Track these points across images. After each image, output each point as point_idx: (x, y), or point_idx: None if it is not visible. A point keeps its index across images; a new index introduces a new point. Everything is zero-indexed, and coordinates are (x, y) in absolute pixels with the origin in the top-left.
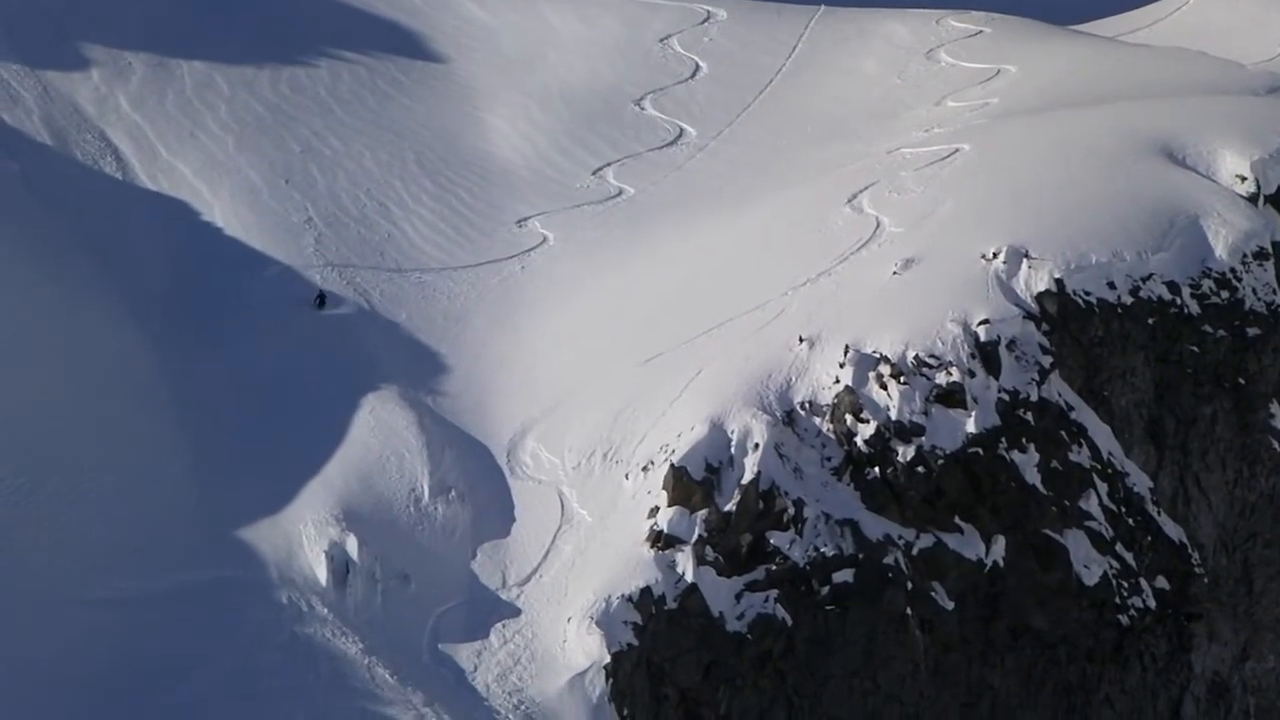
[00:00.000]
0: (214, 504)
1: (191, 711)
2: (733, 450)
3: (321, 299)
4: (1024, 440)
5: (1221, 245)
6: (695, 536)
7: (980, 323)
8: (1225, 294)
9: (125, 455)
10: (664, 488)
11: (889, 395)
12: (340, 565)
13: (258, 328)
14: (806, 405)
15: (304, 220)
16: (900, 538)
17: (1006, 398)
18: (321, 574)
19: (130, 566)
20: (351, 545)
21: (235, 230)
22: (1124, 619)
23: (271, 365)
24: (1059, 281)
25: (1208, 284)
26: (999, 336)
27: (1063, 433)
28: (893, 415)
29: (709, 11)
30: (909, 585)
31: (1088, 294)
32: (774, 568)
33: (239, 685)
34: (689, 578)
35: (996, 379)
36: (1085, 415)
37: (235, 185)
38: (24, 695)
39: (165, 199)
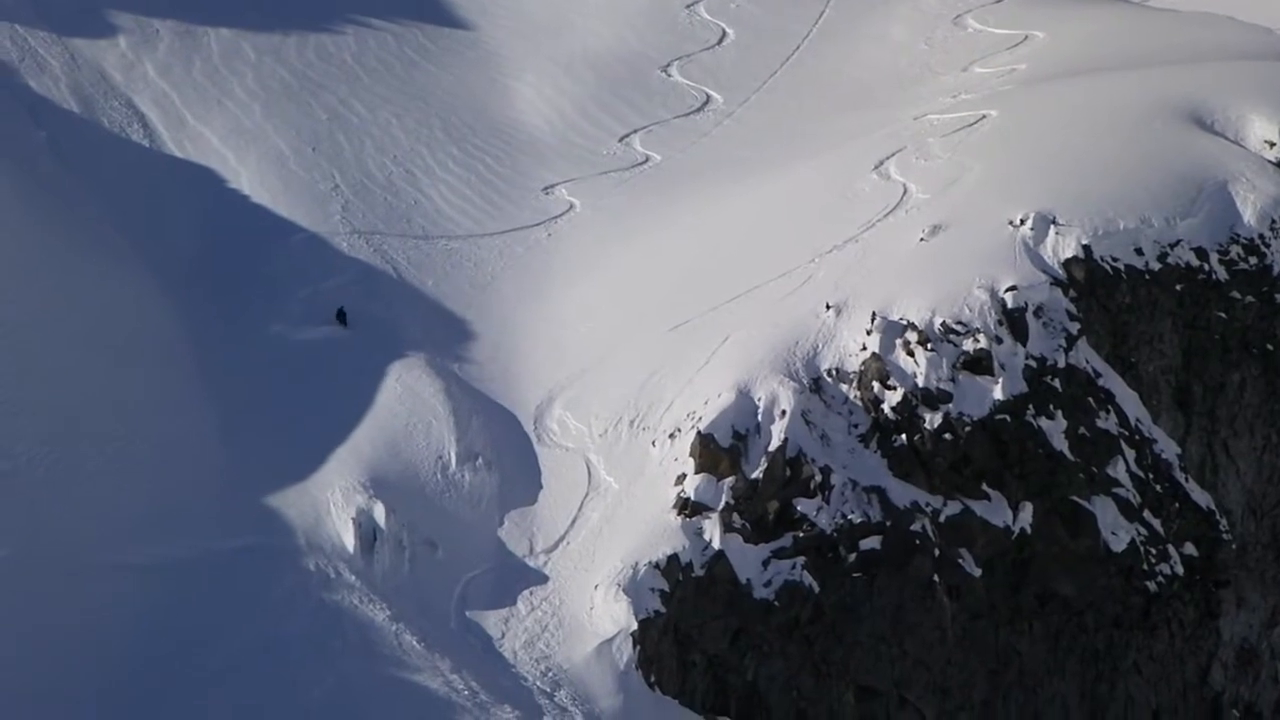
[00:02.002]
0: (241, 471)
1: (218, 678)
2: (760, 417)
3: (342, 316)
4: (1051, 407)
5: (1250, 211)
6: (722, 504)
7: (1007, 289)
8: (1254, 260)
9: (152, 423)
10: (691, 455)
11: (916, 362)
12: (368, 532)
13: (284, 295)
14: (833, 372)
15: (331, 188)
16: (927, 505)
17: (1034, 364)
18: (349, 541)
19: (157, 534)
20: (379, 512)
21: (262, 197)
22: (1152, 585)
23: (298, 333)
24: (1086, 248)
25: (1236, 250)
26: (1026, 303)
27: (1090, 399)
28: (920, 382)
29: None
30: (936, 552)
31: (1115, 260)
32: (801, 535)
33: (266, 652)
34: (716, 545)
35: (1024, 345)
36: (1113, 382)
37: (262, 152)
38: (50, 663)
39: (192, 166)
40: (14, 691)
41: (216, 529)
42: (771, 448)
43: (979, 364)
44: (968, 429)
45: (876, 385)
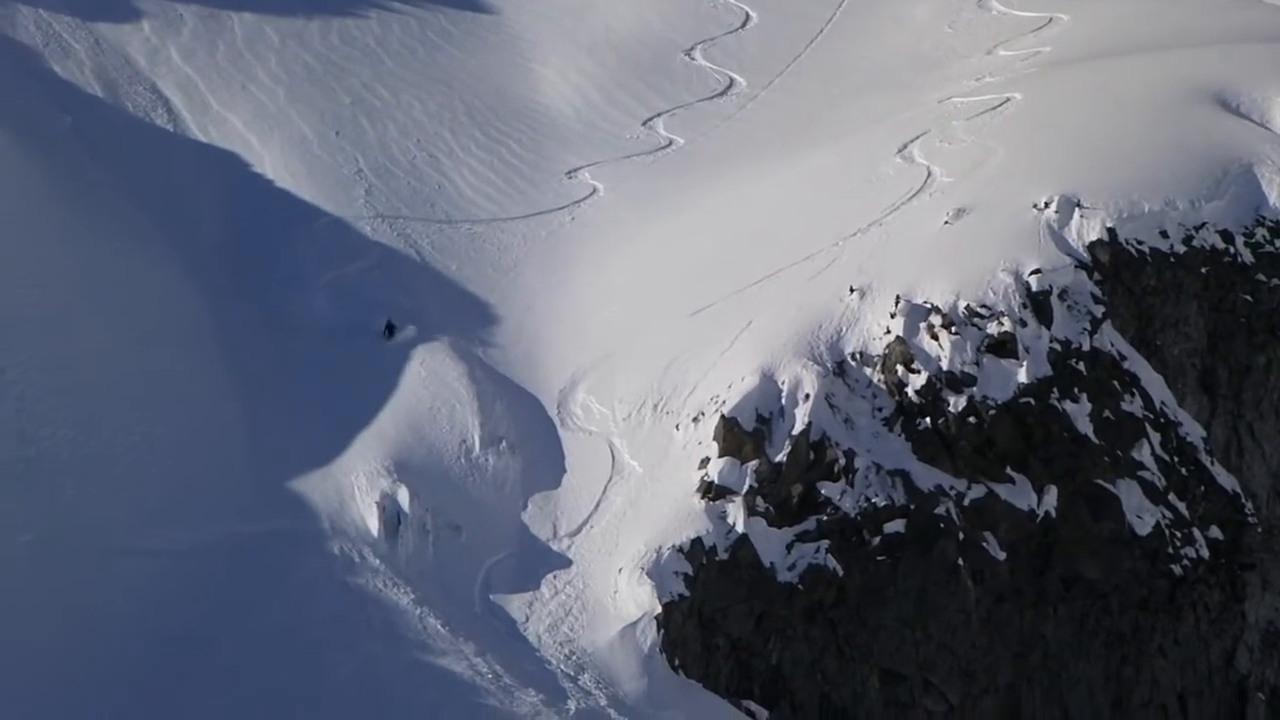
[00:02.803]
0: (266, 455)
1: (243, 662)
2: (783, 401)
3: (390, 329)
4: (1076, 390)
5: (1275, 193)
6: (746, 487)
7: (1032, 272)
8: (1279, 242)
9: (176, 407)
10: (714, 439)
11: (940, 345)
12: (392, 516)
13: (308, 279)
14: (857, 356)
15: (354, 172)
16: (951, 488)
17: (1058, 347)
18: (373, 525)
19: (181, 518)
20: (403, 496)
21: (286, 182)
22: (1177, 569)
23: (322, 316)
24: (1111, 230)
25: (1261, 232)
26: (1051, 286)
27: (1115, 382)
28: (944, 365)
29: None
30: (960, 536)
31: (1140, 243)
32: (825, 518)
33: (291, 636)
34: (740, 528)
35: (1048, 329)
36: (1138, 365)
37: (286, 137)
38: (76, 647)
39: (216, 150)
40: (41, 675)
41: (241, 513)
42: (795, 431)
43: (1003, 347)
44: (992, 412)
45: (900, 369)
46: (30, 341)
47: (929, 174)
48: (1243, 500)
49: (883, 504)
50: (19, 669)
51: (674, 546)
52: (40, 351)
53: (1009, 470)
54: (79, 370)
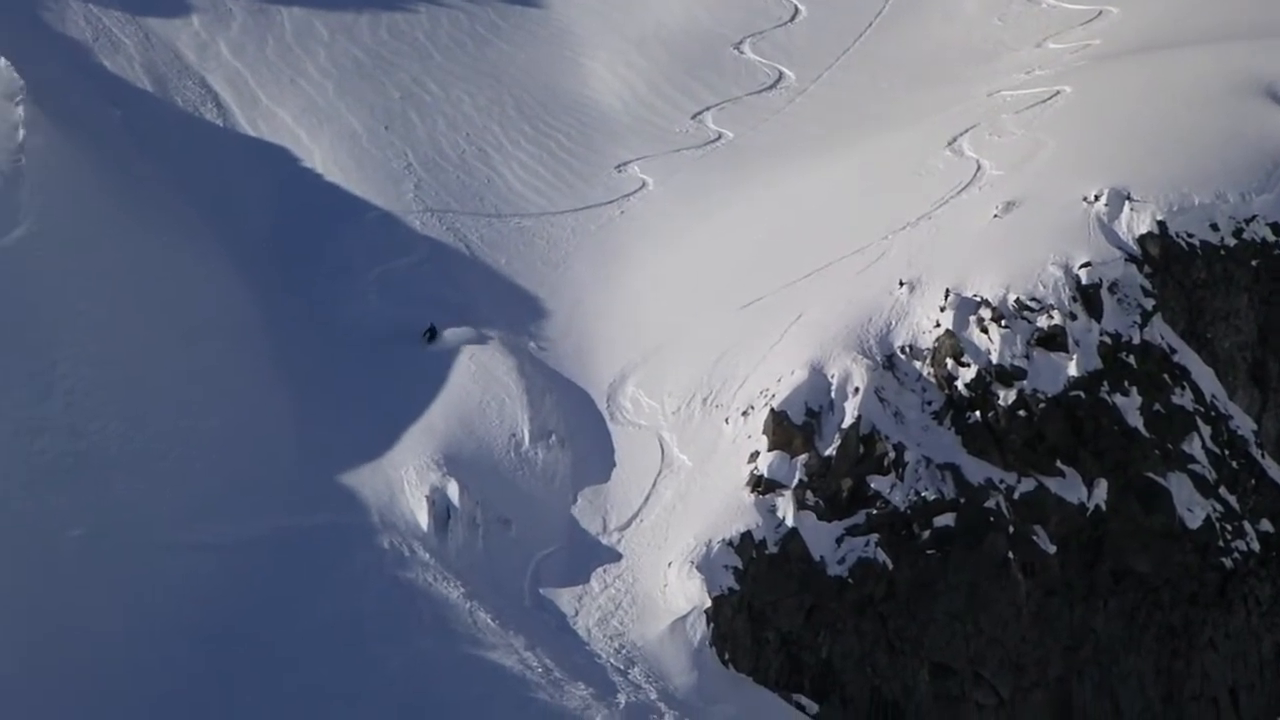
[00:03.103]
0: (314, 449)
1: (292, 657)
2: (833, 394)
3: (432, 333)
4: (1126, 383)
5: None
6: (795, 481)
7: (1082, 265)
8: None
9: (225, 400)
10: (764, 432)
11: (990, 339)
12: (441, 510)
13: (357, 273)
14: (907, 349)
15: (403, 166)
16: (1001, 481)
17: (1109, 340)
18: (423, 519)
19: (230, 512)
20: (453, 490)
21: (335, 176)
22: (1228, 562)
23: (371, 310)
24: (1161, 224)
25: None
26: (1101, 279)
27: (1165, 376)
28: (994, 359)
29: None
30: (1010, 529)
31: (1190, 236)
32: (875, 512)
33: (340, 630)
34: (789, 522)
35: (1098, 322)
36: (1188, 358)
37: (335, 131)
38: (123, 640)
39: (265, 145)
40: (90, 669)
41: (289, 507)
42: (845, 425)
43: (1053, 340)
44: (1042, 406)
45: (950, 362)
46: (79, 336)
47: (979, 167)
48: None
49: (933, 498)
50: (68, 662)
51: (724, 540)
52: (89, 346)
53: (1059, 464)
54: (128, 364)
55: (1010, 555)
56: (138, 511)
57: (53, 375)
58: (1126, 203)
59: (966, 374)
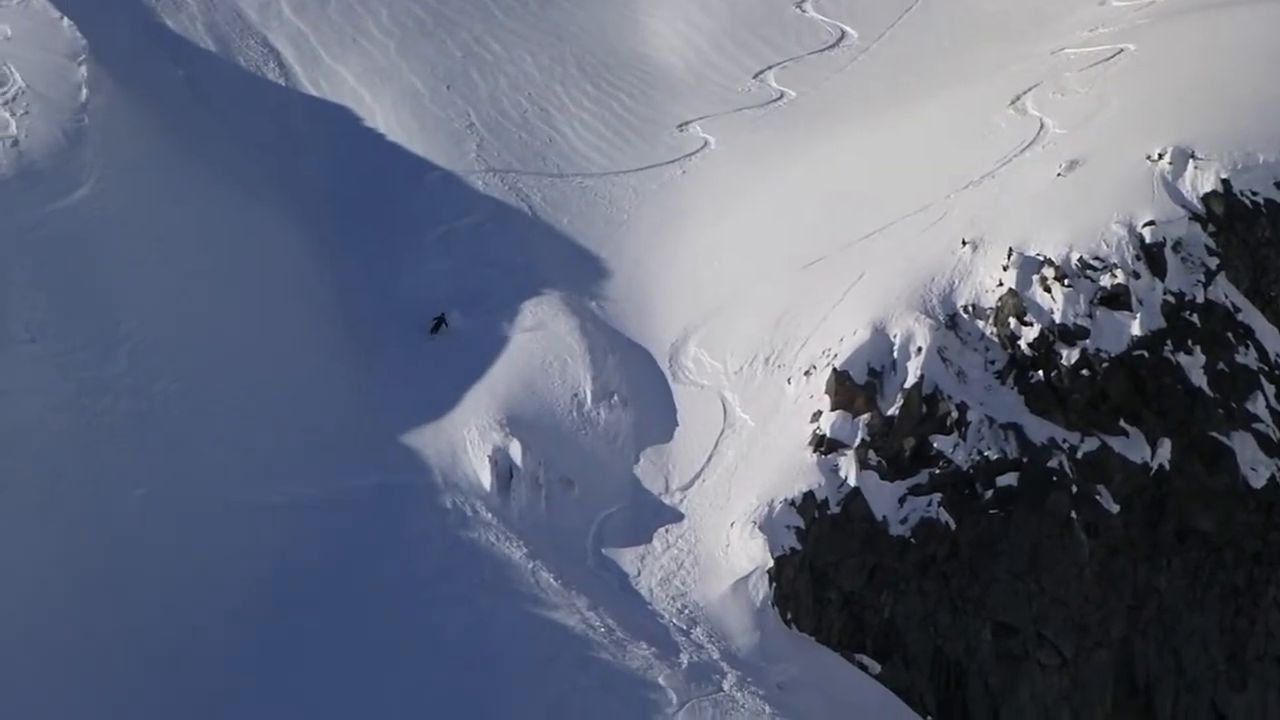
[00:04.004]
0: (377, 409)
1: (356, 616)
2: (895, 354)
3: (439, 322)
4: (1190, 342)
5: None
6: (858, 440)
7: (1145, 224)
8: None
9: (290, 360)
10: (826, 392)
11: (1053, 298)
12: (504, 470)
13: (419, 233)
14: (969, 308)
15: (465, 125)
16: (1064, 441)
17: (1172, 299)
18: (485, 479)
19: (293, 472)
20: (515, 450)
21: (397, 136)
22: None
23: (434, 270)
24: (1225, 182)
25: None
26: (1164, 238)
27: (1229, 334)
28: (1057, 318)
29: None
30: (1073, 489)
31: (1254, 194)
32: (937, 472)
33: (403, 590)
34: (852, 482)
35: (1162, 281)
36: (1252, 317)
37: (397, 91)
38: (186, 599)
39: (327, 105)
40: (152, 628)
41: (352, 467)
42: (907, 384)
43: (1116, 299)
44: (1105, 365)
45: (1013, 321)
46: (142, 296)
47: (1042, 126)
48: None
49: (995, 457)
50: (133, 622)
51: (786, 500)
52: (152, 306)
53: (1122, 423)
54: (190, 325)
55: (1073, 515)
56: (200, 472)
57: (115, 335)
58: (1190, 161)
59: (1029, 333)
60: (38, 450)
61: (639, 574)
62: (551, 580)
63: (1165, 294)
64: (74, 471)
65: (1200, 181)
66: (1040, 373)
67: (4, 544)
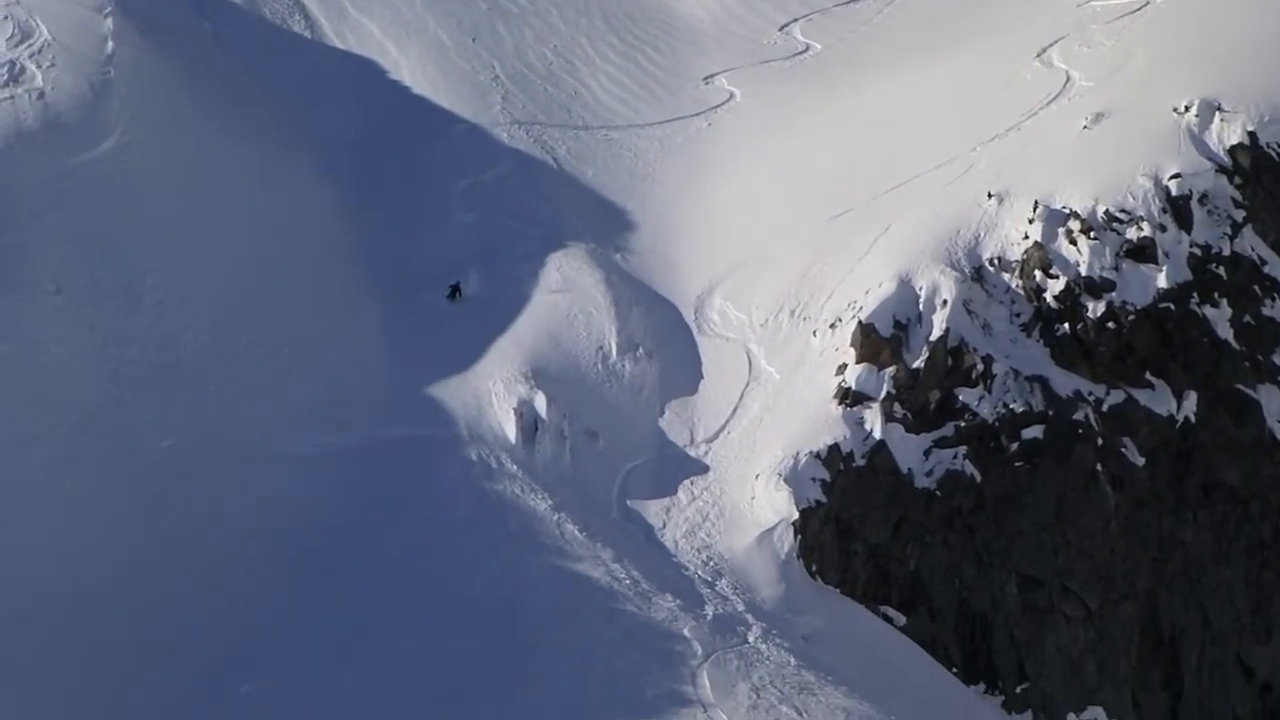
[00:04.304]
0: (403, 362)
1: (381, 567)
2: (921, 307)
3: (455, 290)
4: (1216, 295)
5: None
6: (883, 393)
7: (1172, 177)
8: None
9: (316, 312)
10: (852, 345)
11: (1079, 251)
12: (529, 422)
13: (444, 185)
14: (995, 261)
15: (491, 78)
16: (1090, 394)
17: (1198, 252)
18: (511, 431)
19: (320, 424)
20: (540, 402)
21: (423, 88)
22: None
23: (458, 222)
24: (1252, 134)
25: None
26: (1191, 190)
27: (1255, 287)
28: (1082, 271)
29: None
30: (1099, 441)
31: None
32: (963, 424)
33: (428, 541)
34: (877, 434)
35: (1188, 233)
36: (1278, 269)
37: (422, 43)
38: (212, 550)
39: (353, 57)
40: (179, 578)
41: (378, 420)
42: (933, 337)
43: (1142, 252)
44: (1131, 317)
45: (1039, 274)
46: (169, 248)
47: (1068, 78)
48: None
49: (1021, 410)
50: (158, 573)
51: (811, 453)
52: (178, 257)
53: (1148, 375)
54: (217, 277)
55: (1099, 467)
56: (227, 423)
57: (142, 287)
58: (1217, 113)
59: (1055, 286)
60: (66, 401)
61: (664, 526)
62: (577, 532)
63: (1191, 247)
64: (102, 423)
65: (1226, 134)
66: (1066, 325)
67: (33, 494)
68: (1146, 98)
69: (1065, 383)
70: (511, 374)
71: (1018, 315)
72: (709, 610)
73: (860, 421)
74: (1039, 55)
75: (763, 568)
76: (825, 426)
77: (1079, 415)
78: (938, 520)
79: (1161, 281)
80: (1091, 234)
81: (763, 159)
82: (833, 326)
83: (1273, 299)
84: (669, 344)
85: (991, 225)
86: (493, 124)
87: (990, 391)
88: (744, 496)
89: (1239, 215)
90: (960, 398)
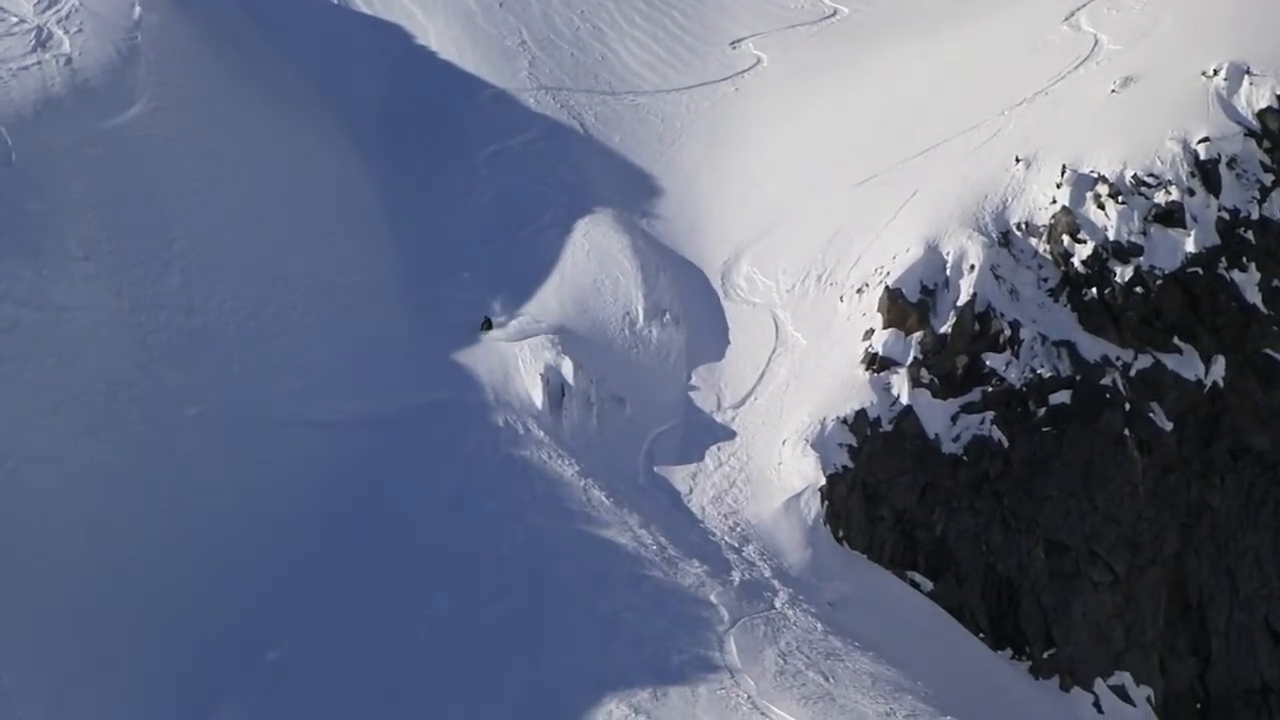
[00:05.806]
0: (430, 327)
1: (407, 533)
2: (948, 272)
3: (488, 323)
4: (1244, 259)
5: None
6: (910, 358)
7: (1200, 141)
8: None
9: (341, 278)
10: (879, 310)
11: (1106, 215)
12: (556, 388)
13: (472, 151)
14: (1023, 226)
15: (518, 43)
16: (1118, 359)
17: (1227, 216)
18: (537, 397)
19: (346, 389)
20: (567, 368)
21: (450, 54)
22: None
23: (485, 189)
24: None
25: None
26: (1219, 154)
27: None
28: (1110, 235)
29: None
30: (1127, 406)
31: None
32: (990, 389)
33: (455, 507)
34: (904, 400)
35: (1216, 198)
36: None
37: (450, 9)
38: (239, 517)
39: (380, 23)
40: (206, 546)
41: (405, 384)
42: (960, 302)
43: (1171, 216)
44: (1159, 282)
45: (1066, 239)
46: (195, 213)
47: (1096, 41)
48: None
49: (1048, 375)
50: (185, 541)
51: (838, 418)
52: (205, 223)
53: (1176, 340)
54: (244, 241)
55: (1126, 432)
56: (254, 389)
57: (169, 253)
58: (1246, 77)
59: (1083, 250)
60: (92, 368)
61: (690, 492)
62: (603, 498)
63: (1220, 211)
64: (128, 389)
65: (1255, 98)
66: (1094, 290)
67: (59, 461)
68: (1175, 61)
69: (1093, 348)
70: (538, 339)
71: (1045, 280)
72: (735, 576)
73: (887, 387)
74: (1067, 19)
75: (789, 533)
76: (852, 392)
77: (1106, 380)
78: (965, 486)
79: (1190, 246)
80: (1119, 198)
81: (790, 124)
82: (859, 292)
83: None
84: (696, 309)
85: (1019, 190)
86: (519, 89)
87: (1018, 357)
88: (770, 462)
89: (1268, 179)
90: (988, 363)
